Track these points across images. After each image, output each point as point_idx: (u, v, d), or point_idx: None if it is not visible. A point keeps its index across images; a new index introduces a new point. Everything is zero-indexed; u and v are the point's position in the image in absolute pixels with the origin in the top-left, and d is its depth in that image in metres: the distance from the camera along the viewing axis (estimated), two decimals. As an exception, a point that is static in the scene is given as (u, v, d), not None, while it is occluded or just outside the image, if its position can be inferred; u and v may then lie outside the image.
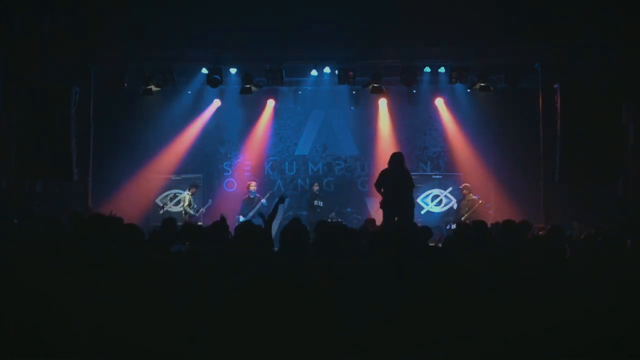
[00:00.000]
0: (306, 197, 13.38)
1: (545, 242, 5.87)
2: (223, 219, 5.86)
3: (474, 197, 12.70)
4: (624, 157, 11.81)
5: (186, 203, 12.77)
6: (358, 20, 11.86)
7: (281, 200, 8.29)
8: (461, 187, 12.96)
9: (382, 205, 9.02)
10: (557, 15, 11.62)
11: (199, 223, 11.35)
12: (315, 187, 13.21)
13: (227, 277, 3.71)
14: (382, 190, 8.97)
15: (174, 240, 5.93)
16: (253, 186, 12.88)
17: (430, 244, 6.97)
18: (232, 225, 7.60)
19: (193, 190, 12.93)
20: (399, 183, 8.86)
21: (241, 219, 11.64)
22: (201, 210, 12.86)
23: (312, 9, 11.70)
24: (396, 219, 8.37)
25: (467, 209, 12.49)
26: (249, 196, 12.79)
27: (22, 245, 5.09)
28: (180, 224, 7.75)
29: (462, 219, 11.88)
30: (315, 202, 12.96)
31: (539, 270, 4.05)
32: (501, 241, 5.77)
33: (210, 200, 13.17)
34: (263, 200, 12.65)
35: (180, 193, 13.41)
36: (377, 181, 9.16)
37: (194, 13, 11.82)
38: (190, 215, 12.50)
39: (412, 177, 9.36)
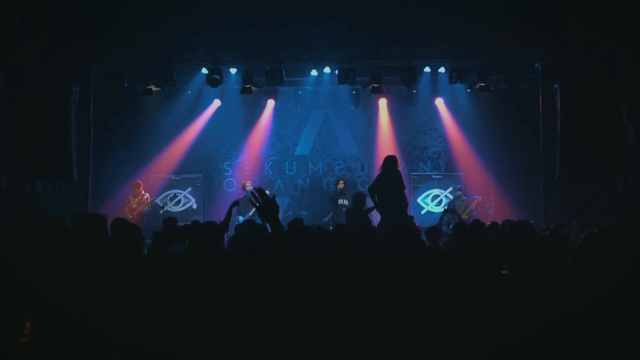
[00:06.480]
0: (330, 195, 12.92)
1: (548, 241, 5.86)
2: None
3: (465, 198, 12.77)
4: (624, 157, 11.81)
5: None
6: (358, 20, 11.87)
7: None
8: (458, 187, 12.98)
9: (378, 208, 9.00)
10: (557, 16, 11.63)
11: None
12: (341, 185, 12.67)
13: (227, 277, 3.71)
14: (375, 197, 8.92)
15: (174, 239, 5.93)
16: (249, 185, 12.84)
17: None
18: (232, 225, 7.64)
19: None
20: (390, 187, 8.81)
21: (240, 219, 11.62)
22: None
23: (312, 9, 11.71)
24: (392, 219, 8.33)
25: (462, 209, 12.52)
26: (244, 195, 12.76)
27: (22, 244, 5.08)
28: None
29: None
30: (340, 201, 12.42)
31: (542, 269, 4.05)
32: (513, 241, 5.77)
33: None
34: None
35: (180, 193, 13.37)
36: (371, 187, 9.11)
37: (194, 13, 11.84)
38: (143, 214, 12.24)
39: (404, 178, 9.26)
